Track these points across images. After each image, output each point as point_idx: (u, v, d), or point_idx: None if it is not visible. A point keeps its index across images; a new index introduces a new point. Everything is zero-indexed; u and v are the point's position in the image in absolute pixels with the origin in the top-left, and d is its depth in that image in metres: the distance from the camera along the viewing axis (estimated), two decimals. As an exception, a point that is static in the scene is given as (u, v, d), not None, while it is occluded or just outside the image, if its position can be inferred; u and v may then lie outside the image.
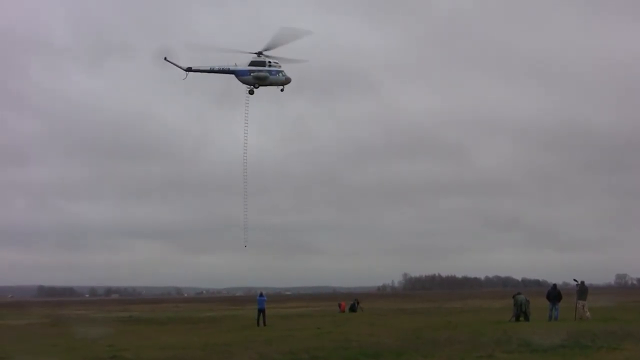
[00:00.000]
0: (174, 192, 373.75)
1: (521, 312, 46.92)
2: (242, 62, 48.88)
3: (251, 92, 49.38)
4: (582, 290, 47.04)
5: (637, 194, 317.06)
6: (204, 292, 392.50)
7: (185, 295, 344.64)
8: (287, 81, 49.76)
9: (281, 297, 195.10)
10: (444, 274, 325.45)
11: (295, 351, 29.66)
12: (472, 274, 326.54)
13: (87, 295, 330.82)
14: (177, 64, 47.90)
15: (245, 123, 50.13)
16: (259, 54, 48.65)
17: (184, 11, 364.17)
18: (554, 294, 47.46)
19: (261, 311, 53.49)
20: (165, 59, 47.70)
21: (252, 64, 48.98)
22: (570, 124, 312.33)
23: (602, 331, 33.16)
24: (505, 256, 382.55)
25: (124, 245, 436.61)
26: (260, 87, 49.21)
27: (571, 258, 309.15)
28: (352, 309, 77.33)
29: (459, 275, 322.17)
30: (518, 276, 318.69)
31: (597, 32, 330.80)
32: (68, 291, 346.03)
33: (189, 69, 48.05)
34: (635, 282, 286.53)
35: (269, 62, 49.00)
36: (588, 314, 46.19)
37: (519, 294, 48.88)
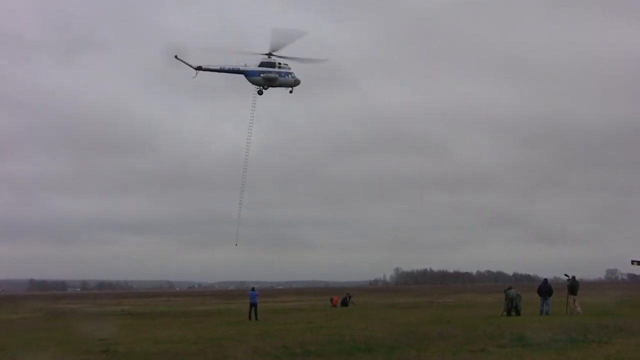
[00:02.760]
0: (160, 186, 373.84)
1: (512, 307, 47.11)
2: (251, 62, 49.04)
3: (260, 93, 49.50)
4: (573, 285, 47.30)
5: (620, 189, 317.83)
6: (196, 286, 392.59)
7: (177, 289, 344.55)
8: (296, 83, 49.89)
9: (273, 292, 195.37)
10: (435, 268, 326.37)
11: (289, 345, 29.72)
12: (463, 268, 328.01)
13: (78, 289, 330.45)
14: (188, 62, 47.92)
15: (250, 123, 50.31)
16: (269, 55, 48.71)
17: (152, 5, 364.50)
18: (545, 288, 47.69)
19: (253, 305, 53.66)
20: (175, 57, 47.71)
21: (262, 64, 49.03)
22: (549, 119, 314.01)
23: (594, 325, 33.32)
24: (496, 251, 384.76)
25: (114, 239, 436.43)
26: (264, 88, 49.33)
27: (562, 253, 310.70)
28: (344, 303, 77.44)
29: (451, 269, 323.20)
30: (509, 271, 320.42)
31: (571, 28, 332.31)
32: (59, 285, 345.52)
33: (199, 68, 48.09)
34: (625, 277, 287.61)
35: (279, 63, 49.10)
36: (579, 308, 46.42)
37: (510, 288, 49.06)
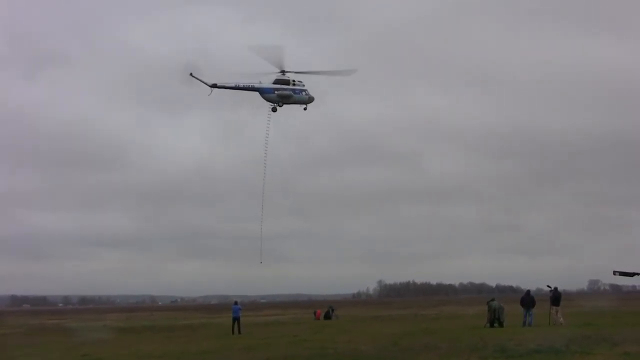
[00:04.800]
0: (134, 201, 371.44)
1: (495, 318, 47.23)
2: (266, 80, 49.15)
3: (274, 110, 49.55)
4: (556, 296, 47.53)
5: (596, 200, 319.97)
6: (179, 300, 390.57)
7: (160, 303, 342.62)
8: (310, 100, 49.98)
9: (257, 305, 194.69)
10: (418, 281, 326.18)
11: (273, 359, 29.71)
12: (446, 281, 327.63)
13: (60, 305, 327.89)
14: (203, 80, 47.95)
15: (266, 141, 50.23)
16: (283, 72, 48.84)
17: (115, 20, 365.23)
18: (528, 300, 47.88)
19: (236, 320, 53.52)
20: (191, 74, 47.67)
21: (277, 82, 49.14)
22: (522, 132, 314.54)
23: (577, 336, 33.47)
24: (479, 263, 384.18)
25: (94, 254, 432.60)
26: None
27: (544, 264, 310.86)
28: (327, 316, 77.36)
29: (434, 282, 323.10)
30: (492, 283, 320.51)
31: (542, 43, 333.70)
32: (41, 300, 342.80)
33: (214, 86, 48.05)
34: (608, 287, 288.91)
35: (294, 81, 49.22)
36: (562, 319, 46.65)
37: (493, 300, 49.19)
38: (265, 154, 50.63)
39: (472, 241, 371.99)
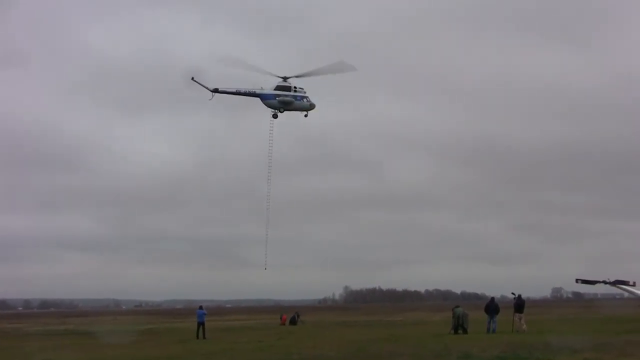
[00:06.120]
0: (95, 203, 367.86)
1: (459, 325, 47.53)
2: (267, 86, 49.19)
3: (275, 116, 49.58)
4: (519, 303, 48.01)
5: (558, 209, 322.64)
6: (143, 304, 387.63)
7: (124, 307, 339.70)
8: (311, 107, 50.12)
9: (222, 310, 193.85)
10: (384, 287, 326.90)
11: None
12: (412, 287, 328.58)
13: (20, 308, 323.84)
14: (205, 84, 47.81)
15: (269, 146, 50.29)
16: (284, 78, 48.86)
17: (72, 21, 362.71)
18: (492, 307, 48.27)
19: (201, 324, 53.36)
20: (192, 79, 47.59)
21: (278, 88, 49.15)
22: (484, 140, 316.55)
23: (539, 343, 33.81)
24: (444, 270, 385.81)
25: (55, 257, 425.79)
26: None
27: (508, 272, 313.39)
28: (293, 321, 77.30)
29: (400, 288, 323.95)
30: (457, 289, 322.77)
31: (505, 52, 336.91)
32: (0, 304, 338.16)
33: (215, 90, 48.03)
34: (570, 295, 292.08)
35: (295, 87, 49.25)
36: (525, 326, 47.10)
37: (457, 307, 49.54)
38: (270, 160, 50.85)
39: (437, 248, 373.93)
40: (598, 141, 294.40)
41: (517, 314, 47.73)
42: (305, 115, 50.28)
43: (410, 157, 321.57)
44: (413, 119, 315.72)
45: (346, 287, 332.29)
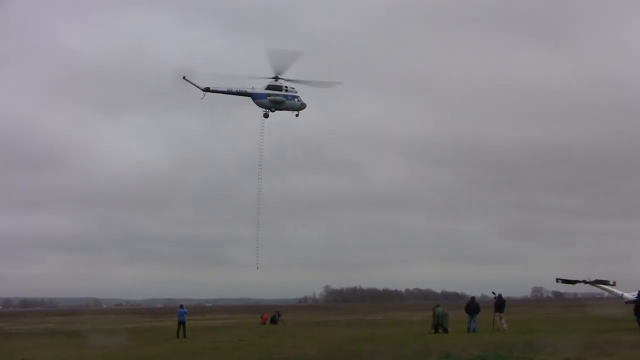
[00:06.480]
0: (75, 203, 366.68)
1: (439, 324, 47.58)
2: (258, 85, 49.11)
3: (266, 116, 49.56)
4: (500, 302, 48.12)
5: (537, 209, 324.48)
6: (124, 303, 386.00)
7: (105, 306, 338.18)
8: (302, 106, 50.17)
9: (202, 309, 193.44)
10: (365, 286, 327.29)
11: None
12: (393, 286, 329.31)
13: (0, 307, 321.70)
14: (196, 83, 47.63)
15: (260, 146, 50.20)
16: (276, 78, 48.74)
17: (49, 20, 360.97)
18: (473, 306, 48.34)
19: (181, 323, 53.18)
20: (184, 78, 47.45)
21: (269, 87, 49.06)
22: (462, 140, 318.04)
23: (519, 342, 33.88)
24: (424, 269, 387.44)
25: (35, 256, 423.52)
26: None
27: (489, 271, 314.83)
28: (273, 321, 77.25)
29: (380, 287, 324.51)
30: (438, 289, 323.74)
31: (482, 52, 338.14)
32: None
33: (207, 89, 47.89)
34: (550, 294, 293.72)
35: (286, 87, 49.18)
36: (505, 325, 47.22)
37: (437, 306, 49.61)
38: (260, 160, 50.74)
39: (418, 248, 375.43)
40: (576, 142, 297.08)
41: (497, 314, 47.83)
42: (297, 115, 50.30)
43: (391, 158, 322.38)
44: (392, 120, 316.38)
45: (327, 287, 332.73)
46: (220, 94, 49.08)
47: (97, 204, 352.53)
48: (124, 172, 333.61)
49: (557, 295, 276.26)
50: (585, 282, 56.27)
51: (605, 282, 56.16)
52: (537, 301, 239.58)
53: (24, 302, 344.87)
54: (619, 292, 55.38)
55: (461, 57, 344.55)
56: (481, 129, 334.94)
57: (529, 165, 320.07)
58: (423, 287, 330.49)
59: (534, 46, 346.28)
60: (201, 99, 48.20)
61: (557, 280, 58.28)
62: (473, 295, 52.87)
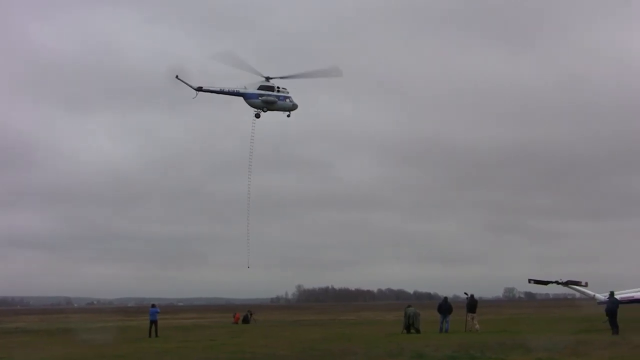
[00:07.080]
0: (42, 201, 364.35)
1: (410, 324, 47.67)
2: (250, 85, 48.96)
3: (257, 116, 49.41)
4: (472, 303, 48.32)
5: (508, 210, 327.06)
6: (95, 302, 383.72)
7: (76, 305, 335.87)
8: (294, 107, 50.15)
9: (174, 308, 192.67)
10: (337, 286, 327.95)
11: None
12: (365, 286, 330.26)
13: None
14: (189, 83, 47.40)
15: (250, 146, 50.11)
16: (267, 78, 48.68)
17: (16, 17, 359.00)
18: (445, 306, 48.49)
19: (153, 322, 52.90)
20: (176, 77, 47.19)
21: (261, 87, 48.99)
22: (430, 141, 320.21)
23: (491, 342, 34.03)
24: (397, 269, 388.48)
25: (4, 254, 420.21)
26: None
27: (461, 272, 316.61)
28: (246, 320, 77.16)
29: (352, 287, 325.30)
30: (410, 289, 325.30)
31: (450, 53, 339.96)
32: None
33: (199, 89, 47.72)
34: (522, 295, 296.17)
35: (278, 87, 49.17)
36: (477, 326, 47.44)
37: (409, 306, 49.73)
38: (250, 159, 50.63)
39: (390, 248, 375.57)
40: (543, 142, 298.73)
41: (469, 314, 48.05)
42: (288, 116, 50.36)
43: (361, 158, 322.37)
44: (362, 120, 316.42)
45: (299, 286, 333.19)
46: (212, 93, 48.98)
47: (68, 203, 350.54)
48: (92, 171, 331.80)
49: (529, 295, 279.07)
50: (557, 282, 56.57)
51: (577, 283, 56.52)
52: (509, 302, 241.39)
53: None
54: (591, 293, 55.74)
55: (429, 57, 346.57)
56: (451, 129, 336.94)
57: (499, 165, 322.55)
58: (395, 287, 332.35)
59: (501, 47, 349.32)
60: (193, 98, 48.15)
61: (530, 280, 58.61)
62: (445, 295, 53.05)
